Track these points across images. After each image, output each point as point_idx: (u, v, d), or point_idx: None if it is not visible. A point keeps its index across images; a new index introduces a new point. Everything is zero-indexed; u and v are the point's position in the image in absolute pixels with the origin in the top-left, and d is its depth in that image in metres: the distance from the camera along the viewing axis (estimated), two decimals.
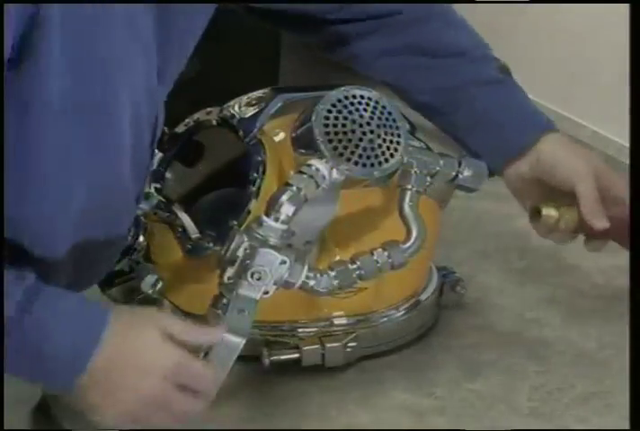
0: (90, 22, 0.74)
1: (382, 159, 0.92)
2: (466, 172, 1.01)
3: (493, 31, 1.53)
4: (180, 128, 1.05)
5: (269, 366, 1.02)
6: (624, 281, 1.20)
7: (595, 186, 1.02)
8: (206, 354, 0.91)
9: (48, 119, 0.75)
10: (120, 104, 0.78)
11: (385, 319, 1.07)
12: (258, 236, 0.88)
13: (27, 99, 0.73)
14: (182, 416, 0.84)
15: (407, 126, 0.98)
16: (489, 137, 1.06)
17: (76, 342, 0.78)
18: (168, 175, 1.05)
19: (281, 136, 1.03)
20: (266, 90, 1.03)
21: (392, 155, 0.93)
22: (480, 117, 1.06)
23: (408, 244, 0.95)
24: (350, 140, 0.91)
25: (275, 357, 1.03)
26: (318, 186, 0.90)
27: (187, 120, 1.05)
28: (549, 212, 1.03)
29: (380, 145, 0.92)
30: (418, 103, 1.08)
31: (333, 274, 0.93)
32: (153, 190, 1.03)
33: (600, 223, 1.02)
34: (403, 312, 1.08)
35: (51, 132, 0.75)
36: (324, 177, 0.90)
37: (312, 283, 0.90)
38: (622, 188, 1.04)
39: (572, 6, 1.36)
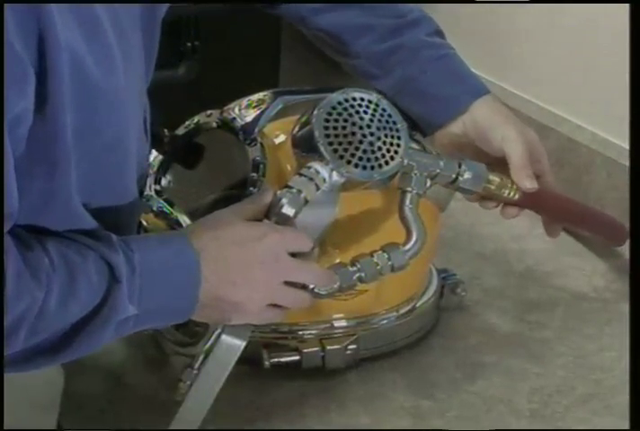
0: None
1: (382, 161, 0.92)
2: (466, 175, 1.01)
3: (494, 31, 1.54)
4: (180, 131, 1.05)
5: (269, 369, 1.02)
6: (623, 283, 1.20)
7: (526, 149, 1.04)
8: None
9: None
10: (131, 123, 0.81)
11: (385, 321, 1.07)
12: None
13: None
14: (311, 277, 0.89)
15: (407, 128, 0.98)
16: (420, 103, 1.07)
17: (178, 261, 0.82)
18: (168, 177, 1.05)
19: (281, 138, 1.03)
20: (266, 92, 1.03)
21: (392, 158, 0.93)
22: (411, 81, 1.07)
23: (408, 246, 0.95)
24: (350, 143, 0.91)
25: (275, 360, 1.03)
26: (318, 188, 0.90)
27: (187, 123, 1.05)
28: (493, 177, 1.03)
29: (380, 148, 0.92)
30: (350, 66, 1.10)
31: None
32: (153, 193, 1.03)
33: (531, 183, 1.03)
34: (403, 314, 1.08)
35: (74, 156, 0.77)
36: (324, 179, 0.90)
37: (312, 285, 0.91)
38: (546, 162, 1.07)
39: (572, 7, 1.36)
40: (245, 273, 0.85)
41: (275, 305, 0.88)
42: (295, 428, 0.99)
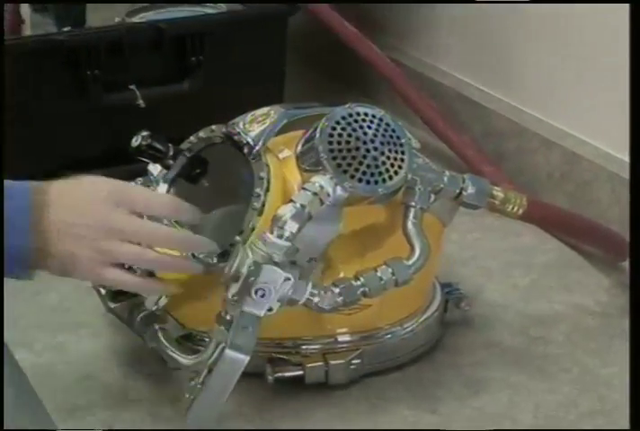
0: None
1: (386, 176, 0.92)
2: (470, 189, 1.01)
3: (494, 32, 1.54)
4: (184, 145, 1.05)
5: (272, 383, 1.02)
6: (628, 298, 1.20)
7: None
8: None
9: None
10: None
11: (389, 336, 1.07)
12: (262, 253, 0.89)
13: None
14: (149, 238, 0.93)
15: (413, 142, 0.98)
16: None
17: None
18: (172, 192, 1.05)
19: (286, 152, 1.03)
20: (271, 107, 1.03)
21: (396, 172, 0.93)
22: None
23: (412, 261, 0.95)
24: (354, 157, 0.91)
25: (279, 374, 1.02)
26: (322, 203, 0.91)
27: (191, 138, 1.05)
28: (497, 192, 1.04)
29: (384, 163, 0.92)
30: None
31: (337, 291, 0.93)
32: None
33: None
34: (407, 328, 1.08)
35: None
36: (328, 194, 0.91)
37: (316, 300, 0.91)
38: None
39: (574, 19, 1.37)
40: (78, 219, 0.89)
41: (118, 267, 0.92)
42: None
